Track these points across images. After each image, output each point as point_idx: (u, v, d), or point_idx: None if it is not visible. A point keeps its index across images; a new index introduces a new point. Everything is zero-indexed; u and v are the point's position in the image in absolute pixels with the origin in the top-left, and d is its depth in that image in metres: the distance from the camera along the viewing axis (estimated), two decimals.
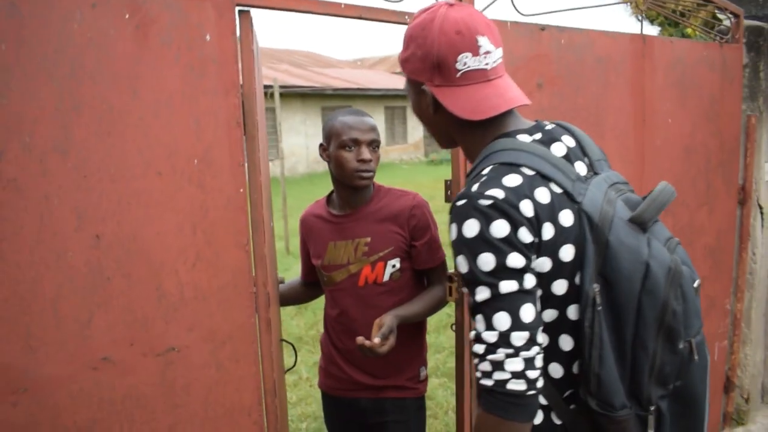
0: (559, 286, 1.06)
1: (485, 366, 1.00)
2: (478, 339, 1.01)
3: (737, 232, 3.02)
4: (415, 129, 22.57)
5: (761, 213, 3.09)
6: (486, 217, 1.00)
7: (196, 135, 1.33)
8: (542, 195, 1.04)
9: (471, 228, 1.01)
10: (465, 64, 1.07)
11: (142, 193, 1.27)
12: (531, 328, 1.00)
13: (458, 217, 1.03)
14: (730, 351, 3.06)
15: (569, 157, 1.12)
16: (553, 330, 1.08)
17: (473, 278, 1.01)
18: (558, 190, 1.06)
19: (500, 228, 1.00)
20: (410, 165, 19.89)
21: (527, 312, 1.00)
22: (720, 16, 3.09)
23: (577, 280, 1.06)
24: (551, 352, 1.09)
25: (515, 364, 0.98)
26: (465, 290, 1.05)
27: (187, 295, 1.35)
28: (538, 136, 1.13)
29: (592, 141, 1.19)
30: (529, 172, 1.05)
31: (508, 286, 1.00)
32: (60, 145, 1.17)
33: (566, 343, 1.09)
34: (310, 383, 3.98)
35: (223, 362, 1.41)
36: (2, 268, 1.14)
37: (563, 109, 2.12)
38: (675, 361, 1.07)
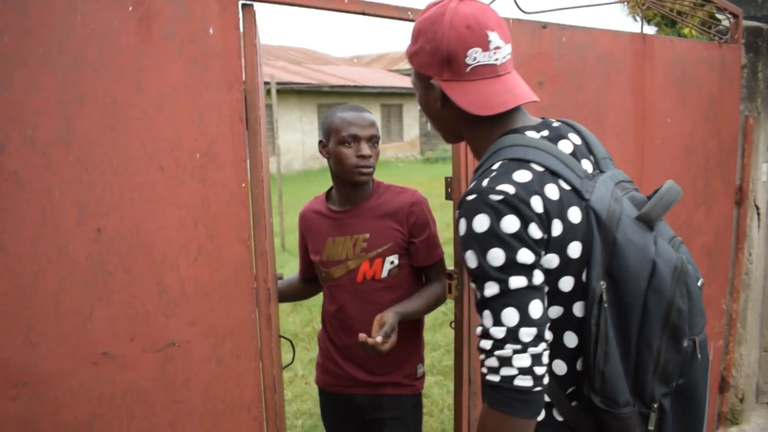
0: (566, 283, 1.06)
1: (492, 362, 1.00)
2: (486, 335, 1.01)
3: (734, 233, 3.03)
4: (411, 127, 22.57)
5: (758, 213, 3.10)
6: (496, 213, 1.00)
7: (199, 129, 1.32)
8: (551, 191, 1.04)
9: (481, 223, 1.00)
10: (475, 59, 1.07)
11: (145, 187, 1.26)
12: (539, 324, 1.00)
13: (468, 212, 1.02)
14: (725, 351, 3.08)
15: (576, 155, 1.13)
16: (558, 327, 1.08)
17: (482, 273, 1.01)
18: (566, 186, 1.06)
19: (510, 223, 1.00)
20: (406, 163, 19.89)
21: (536, 308, 1.00)
22: (719, 16, 3.09)
23: (583, 277, 1.06)
24: (555, 349, 1.09)
25: (523, 360, 0.98)
26: (473, 285, 1.04)
27: (188, 290, 1.34)
28: (545, 132, 1.13)
29: (597, 139, 1.19)
30: (539, 169, 1.05)
31: (517, 281, 0.99)
32: (62, 138, 1.16)
33: (571, 340, 1.09)
34: (306, 380, 3.98)
35: (223, 358, 1.41)
36: (3, 262, 1.13)
37: (564, 107, 2.12)
38: (678, 359, 1.07)
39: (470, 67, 1.08)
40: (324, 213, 1.96)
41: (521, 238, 1.00)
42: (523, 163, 1.05)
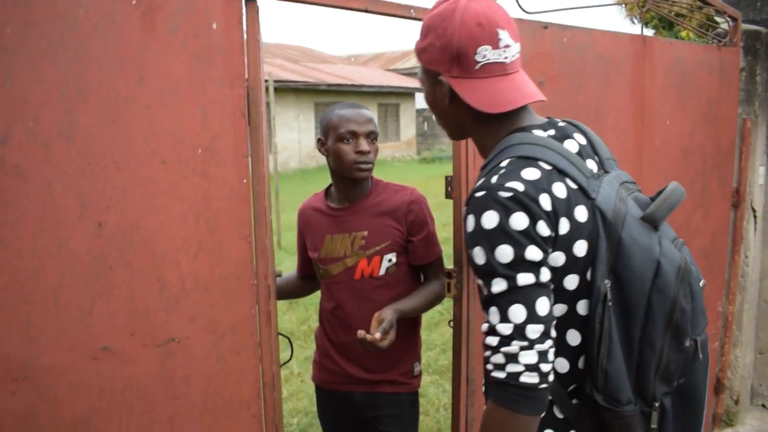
0: (571, 281, 1.06)
1: (498, 358, 1.00)
2: (492, 331, 1.01)
3: (730, 235, 3.05)
4: (408, 126, 22.58)
5: (754, 216, 3.12)
6: (506, 209, 1.00)
7: (202, 124, 1.31)
8: (559, 190, 1.04)
9: (490, 219, 1.01)
10: (484, 56, 1.07)
11: (147, 182, 1.26)
12: (545, 321, 1.00)
13: (477, 208, 1.03)
14: (720, 353, 3.09)
15: (581, 155, 1.13)
16: (562, 325, 1.09)
17: (490, 270, 1.01)
18: (573, 185, 1.06)
19: (519, 220, 1.00)
20: (403, 163, 19.90)
21: (542, 305, 1.00)
22: (718, 19, 3.11)
23: (588, 275, 1.06)
24: (558, 347, 1.09)
25: (529, 357, 0.98)
26: (480, 282, 1.05)
27: (188, 286, 1.34)
28: (551, 132, 1.13)
29: (601, 140, 1.20)
30: (547, 167, 1.05)
31: (525, 278, 1.00)
32: (65, 131, 1.16)
33: (574, 338, 1.09)
34: (302, 378, 3.98)
35: (223, 354, 1.40)
36: (4, 256, 1.12)
37: (564, 107, 2.13)
38: (681, 358, 1.08)
39: (480, 64, 1.08)
40: (323, 210, 1.96)
41: (530, 236, 1.00)
42: (532, 161, 1.06)
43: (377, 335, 1.60)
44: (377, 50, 30.59)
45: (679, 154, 2.65)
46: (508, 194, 1.01)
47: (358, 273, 1.87)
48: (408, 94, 22.30)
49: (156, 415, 1.33)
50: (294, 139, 17.57)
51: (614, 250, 1.04)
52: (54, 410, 1.20)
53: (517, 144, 1.09)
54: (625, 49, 2.34)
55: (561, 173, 1.06)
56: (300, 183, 13.32)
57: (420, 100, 23.53)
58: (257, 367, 1.47)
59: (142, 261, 1.27)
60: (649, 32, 8.91)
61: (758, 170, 3.09)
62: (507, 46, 1.09)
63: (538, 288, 1.00)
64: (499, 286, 1.01)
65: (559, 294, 1.07)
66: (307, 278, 2.13)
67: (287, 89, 16.73)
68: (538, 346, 0.98)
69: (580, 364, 1.10)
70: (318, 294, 2.12)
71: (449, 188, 1.95)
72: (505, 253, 1.00)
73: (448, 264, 1.95)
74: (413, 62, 26.99)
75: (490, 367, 1.01)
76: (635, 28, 8.72)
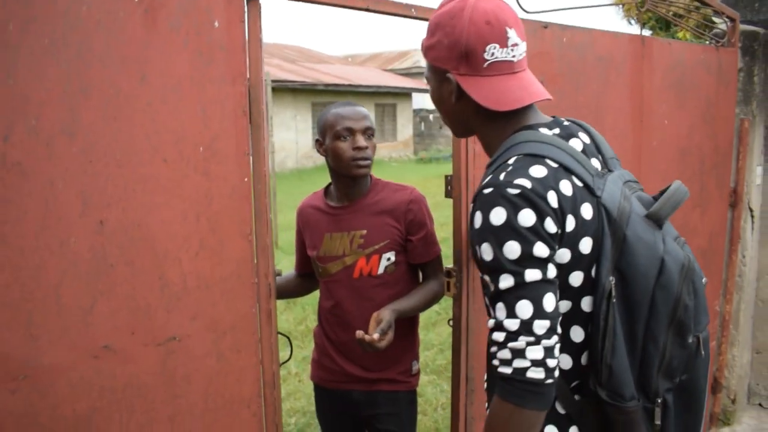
0: (576, 278, 1.07)
1: (505, 354, 1.01)
2: (499, 327, 1.02)
3: (728, 235, 3.06)
4: (405, 127, 22.58)
5: (752, 216, 3.13)
6: (514, 206, 1.01)
7: (203, 122, 1.31)
8: (566, 187, 1.05)
9: (498, 216, 1.01)
10: (493, 54, 1.08)
11: (148, 180, 1.25)
12: (552, 317, 1.01)
13: (485, 205, 1.03)
14: (717, 352, 3.10)
15: (585, 153, 1.15)
16: (566, 321, 1.09)
17: (498, 266, 1.02)
18: (579, 183, 1.07)
19: (527, 217, 1.01)
20: (399, 163, 19.90)
21: (549, 301, 1.01)
22: (716, 19, 3.12)
23: (592, 272, 1.07)
24: (562, 343, 1.10)
25: (536, 352, 0.99)
26: (487, 278, 1.05)
27: (189, 284, 1.34)
28: (557, 130, 1.14)
29: (605, 139, 1.21)
30: (554, 165, 1.06)
31: (532, 274, 1.01)
32: (66, 129, 1.15)
33: (577, 334, 1.10)
34: (299, 378, 3.97)
35: (224, 353, 1.40)
36: (5, 254, 1.11)
37: (564, 107, 2.13)
38: (683, 355, 1.09)
39: (488, 62, 1.09)
40: (322, 208, 1.96)
41: (537, 232, 1.01)
42: (539, 158, 1.06)
43: (375, 336, 1.61)
44: (374, 50, 30.60)
45: (677, 154, 2.66)
46: (517, 191, 1.01)
47: (357, 271, 1.87)
48: (405, 94, 22.31)
49: (156, 414, 1.32)
50: (291, 139, 17.55)
51: (619, 248, 1.05)
52: (54, 409, 1.20)
53: (524, 142, 1.10)
54: (625, 49, 2.35)
55: (567, 171, 1.07)
56: (297, 183, 13.30)
57: (417, 101, 23.55)
58: (258, 366, 1.46)
59: (143, 259, 1.27)
60: (646, 33, 8.94)
61: (755, 170, 3.11)
62: (515, 45, 1.10)
63: (545, 284, 1.01)
64: (506, 282, 1.01)
65: (564, 291, 1.08)
66: (306, 277, 2.13)
67: (284, 89, 16.71)
68: (545, 342, 0.99)
69: (583, 360, 1.11)
70: (316, 294, 2.12)
71: (449, 187, 1.95)
72: (513, 249, 1.00)
73: (446, 264, 1.96)
74: (410, 62, 27.02)
75: (496, 362, 1.02)
76: (632, 29, 8.74)
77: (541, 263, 1.01)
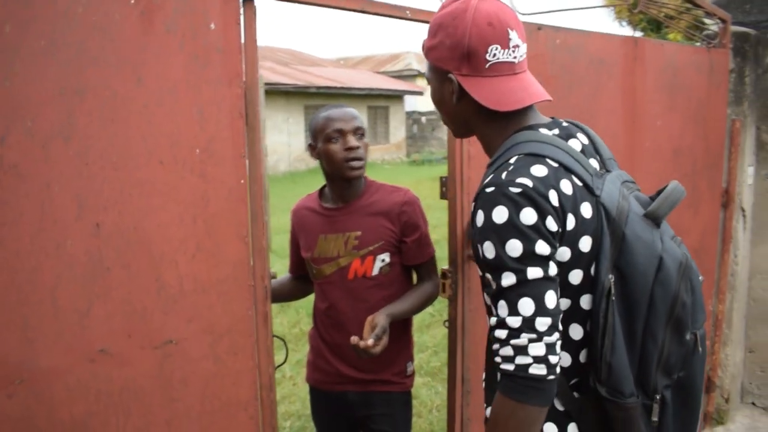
0: (576, 276, 1.08)
1: (507, 351, 1.02)
2: (501, 324, 1.03)
3: (720, 235, 3.08)
4: (398, 129, 22.60)
5: (743, 216, 3.15)
6: (515, 205, 1.02)
7: (200, 125, 1.31)
8: (566, 186, 1.06)
9: (500, 214, 1.02)
10: (494, 55, 1.10)
11: (145, 182, 1.25)
12: (553, 314, 1.02)
13: (487, 203, 1.04)
14: (711, 351, 3.12)
15: (584, 153, 1.17)
16: (565, 319, 1.11)
17: (500, 264, 1.03)
18: (579, 182, 1.09)
19: (529, 215, 1.02)
20: (392, 165, 19.91)
21: (551, 298, 1.02)
22: (707, 21, 3.14)
23: (592, 270, 1.08)
24: (561, 341, 1.10)
25: (538, 349, 1.00)
26: (489, 276, 1.06)
27: (186, 287, 1.33)
28: (556, 131, 1.16)
29: (602, 140, 1.22)
30: (554, 164, 1.08)
31: (534, 272, 1.02)
32: (62, 131, 1.15)
33: (576, 332, 1.11)
34: (294, 382, 3.97)
35: (220, 356, 1.40)
36: (2, 256, 1.10)
37: (557, 108, 2.14)
38: (681, 351, 1.11)
39: (490, 63, 1.10)
40: (316, 210, 1.97)
41: (539, 230, 1.02)
42: (540, 158, 1.08)
43: (370, 342, 1.61)
44: (367, 53, 30.64)
45: (670, 154, 2.68)
46: (518, 190, 1.03)
47: (352, 273, 1.88)
48: (397, 96, 22.34)
49: (153, 417, 1.32)
50: (284, 142, 17.52)
51: (618, 246, 1.06)
52: (51, 413, 1.19)
53: (524, 142, 1.11)
54: (617, 50, 2.36)
55: (567, 170, 1.08)
56: (290, 186, 13.27)
57: (409, 103, 23.58)
58: (254, 369, 1.46)
59: (139, 262, 1.27)
60: (638, 34, 9.00)
61: (747, 170, 3.13)
62: (516, 46, 1.11)
63: (546, 282, 1.02)
64: (508, 279, 1.02)
65: (563, 289, 1.09)
66: (301, 279, 2.13)
67: (277, 92, 16.69)
68: (547, 339, 1.00)
69: (582, 358, 1.12)
70: (310, 297, 2.12)
71: (444, 189, 1.95)
72: (515, 247, 1.02)
73: (443, 265, 1.96)
74: (402, 65, 27.07)
75: (498, 359, 1.03)
76: (623, 31, 8.81)
77: (543, 261, 1.02)
